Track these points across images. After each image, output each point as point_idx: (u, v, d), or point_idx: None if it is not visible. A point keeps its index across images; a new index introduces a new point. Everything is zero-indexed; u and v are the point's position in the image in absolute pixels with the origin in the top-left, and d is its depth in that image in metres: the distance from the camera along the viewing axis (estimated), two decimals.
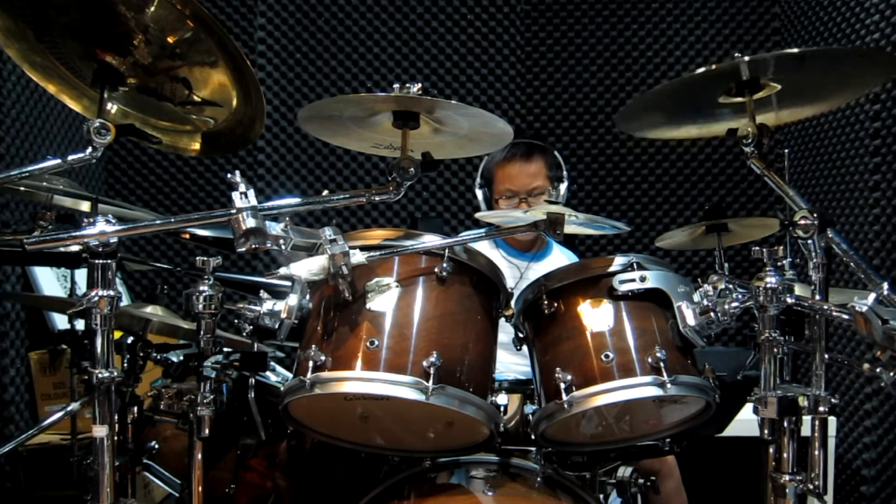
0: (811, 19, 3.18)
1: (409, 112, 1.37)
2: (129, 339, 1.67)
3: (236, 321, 1.40)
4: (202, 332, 1.39)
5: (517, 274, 2.31)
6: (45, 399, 2.66)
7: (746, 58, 1.29)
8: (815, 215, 1.27)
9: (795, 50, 1.34)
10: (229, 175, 1.25)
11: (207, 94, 1.36)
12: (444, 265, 1.40)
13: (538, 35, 3.62)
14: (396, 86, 1.32)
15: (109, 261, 1.20)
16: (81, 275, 1.30)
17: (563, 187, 2.31)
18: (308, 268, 1.34)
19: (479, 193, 2.39)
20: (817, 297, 1.29)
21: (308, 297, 1.41)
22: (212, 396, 1.36)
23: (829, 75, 1.40)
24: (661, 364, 1.36)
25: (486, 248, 2.33)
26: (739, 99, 1.43)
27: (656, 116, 1.55)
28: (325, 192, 1.42)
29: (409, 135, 1.38)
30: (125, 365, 1.66)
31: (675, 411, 1.54)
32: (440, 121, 1.42)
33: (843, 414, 2.81)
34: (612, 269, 1.47)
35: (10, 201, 2.60)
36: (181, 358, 1.56)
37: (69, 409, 1.79)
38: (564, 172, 2.34)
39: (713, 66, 1.35)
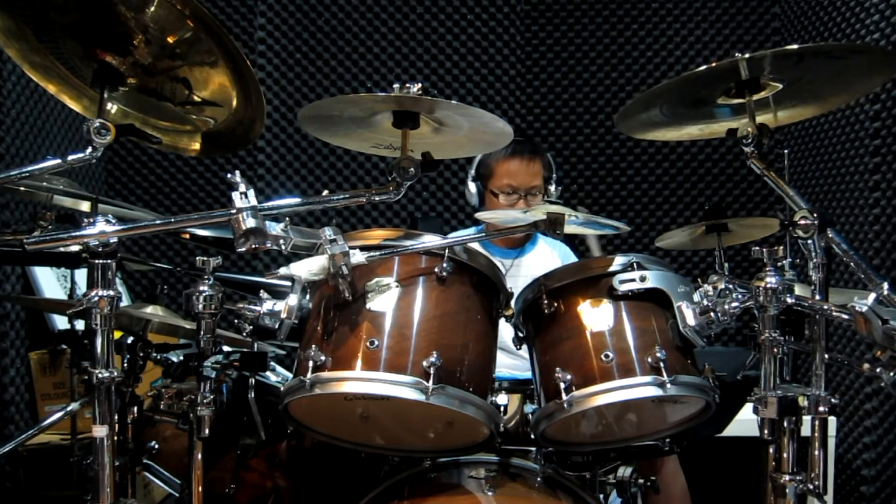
0: (811, 19, 3.18)
1: (409, 112, 1.37)
2: (129, 339, 1.67)
3: (236, 321, 1.40)
4: (202, 332, 1.39)
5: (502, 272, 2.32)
6: (45, 399, 2.66)
7: (746, 55, 1.29)
8: (815, 215, 1.27)
9: (794, 47, 1.34)
10: (229, 175, 1.25)
11: (207, 94, 1.35)
12: (444, 265, 1.40)
13: (538, 35, 3.62)
14: (396, 86, 1.32)
15: (109, 261, 1.20)
16: (81, 275, 1.30)
17: (551, 189, 2.35)
18: (308, 268, 1.34)
19: (472, 186, 2.40)
20: (817, 297, 1.29)
21: (308, 297, 1.41)
22: (212, 396, 1.36)
23: (829, 74, 1.40)
24: (661, 364, 1.36)
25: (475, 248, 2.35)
26: (739, 100, 1.43)
27: (656, 117, 1.55)
28: (325, 192, 1.42)
29: (409, 135, 1.38)
30: (125, 365, 1.67)
31: (675, 411, 1.54)
32: (440, 121, 1.42)
33: (843, 414, 2.81)
34: (612, 268, 1.47)
35: (10, 201, 2.60)
36: (181, 358, 1.56)
37: (69, 409, 1.80)
38: (555, 175, 2.37)
39: (713, 64, 1.35)
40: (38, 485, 2.46)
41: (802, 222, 1.28)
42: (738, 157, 3.46)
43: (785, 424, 1.29)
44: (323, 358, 1.32)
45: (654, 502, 2.03)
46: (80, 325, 1.87)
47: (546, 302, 1.48)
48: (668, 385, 1.34)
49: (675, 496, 2.11)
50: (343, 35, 3.53)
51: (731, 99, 1.45)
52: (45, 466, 2.45)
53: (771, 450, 1.32)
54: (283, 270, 1.37)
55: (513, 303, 1.55)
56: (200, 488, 1.39)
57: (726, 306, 1.36)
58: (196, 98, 1.36)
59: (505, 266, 2.34)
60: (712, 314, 1.37)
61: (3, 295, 2.60)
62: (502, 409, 1.54)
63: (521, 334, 1.60)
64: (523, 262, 2.41)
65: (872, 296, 1.22)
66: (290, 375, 1.41)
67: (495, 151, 2.31)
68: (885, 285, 1.26)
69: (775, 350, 1.28)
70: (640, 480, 1.70)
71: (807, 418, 1.30)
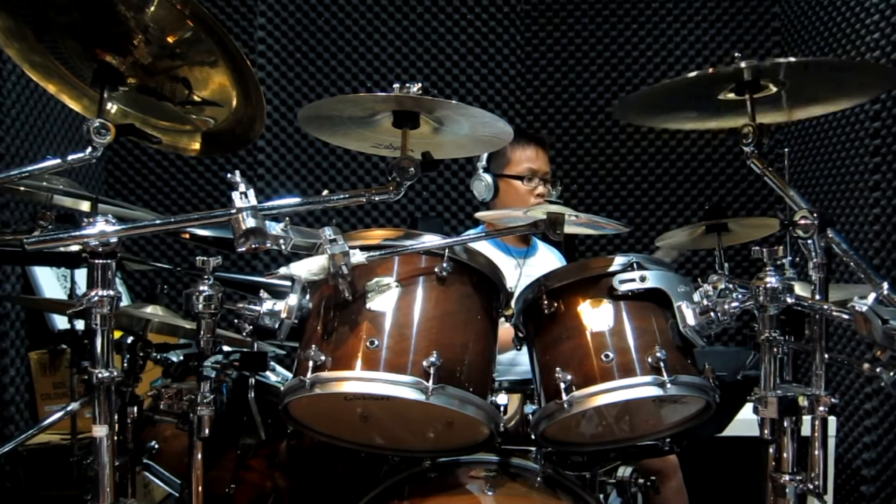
0: (811, 19, 3.18)
1: (409, 112, 1.37)
2: (129, 339, 1.67)
3: (236, 321, 1.40)
4: (202, 332, 1.39)
5: (517, 270, 2.32)
6: (45, 399, 2.66)
7: (753, 62, 1.29)
8: (815, 215, 1.27)
9: (793, 59, 1.33)
10: (229, 175, 1.25)
11: (207, 94, 1.35)
12: (444, 265, 1.40)
13: (538, 35, 3.62)
14: (396, 86, 1.32)
15: (109, 261, 1.20)
16: (81, 275, 1.29)
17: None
18: (308, 268, 1.34)
19: (486, 178, 2.36)
20: (817, 297, 1.29)
21: (308, 297, 1.41)
22: (212, 396, 1.36)
23: (829, 83, 1.39)
24: (661, 364, 1.36)
25: (485, 246, 2.35)
26: (739, 98, 1.42)
27: (655, 110, 1.55)
28: (325, 192, 1.42)
29: (409, 135, 1.38)
30: (125, 365, 1.66)
31: (675, 411, 1.54)
32: (440, 121, 1.42)
33: (843, 414, 2.81)
34: (612, 268, 1.47)
35: (10, 201, 2.60)
36: (181, 358, 1.56)
37: (69, 409, 1.79)
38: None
39: (715, 70, 1.34)
40: (38, 485, 2.46)
41: (802, 222, 1.28)
42: (738, 157, 3.46)
43: (785, 424, 1.29)
44: (323, 358, 1.32)
45: (653, 502, 2.04)
46: (80, 324, 1.86)
47: (546, 302, 1.48)
48: (669, 385, 1.34)
49: (672, 493, 2.11)
50: (343, 35, 3.54)
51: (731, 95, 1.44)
52: (45, 466, 2.45)
53: (771, 450, 1.32)
54: (283, 270, 1.37)
55: (513, 303, 1.55)
56: (200, 488, 1.39)
57: (726, 306, 1.36)
58: (196, 98, 1.36)
59: (519, 264, 2.35)
60: (712, 314, 1.37)
61: (3, 295, 2.60)
62: (502, 409, 1.54)
63: (521, 334, 1.59)
64: (535, 260, 2.42)
65: (872, 296, 1.22)
66: (290, 375, 1.41)
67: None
68: (885, 285, 1.26)
69: (775, 350, 1.28)
70: (640, 480, 1.70)
71: (807, 418, 1.30)
